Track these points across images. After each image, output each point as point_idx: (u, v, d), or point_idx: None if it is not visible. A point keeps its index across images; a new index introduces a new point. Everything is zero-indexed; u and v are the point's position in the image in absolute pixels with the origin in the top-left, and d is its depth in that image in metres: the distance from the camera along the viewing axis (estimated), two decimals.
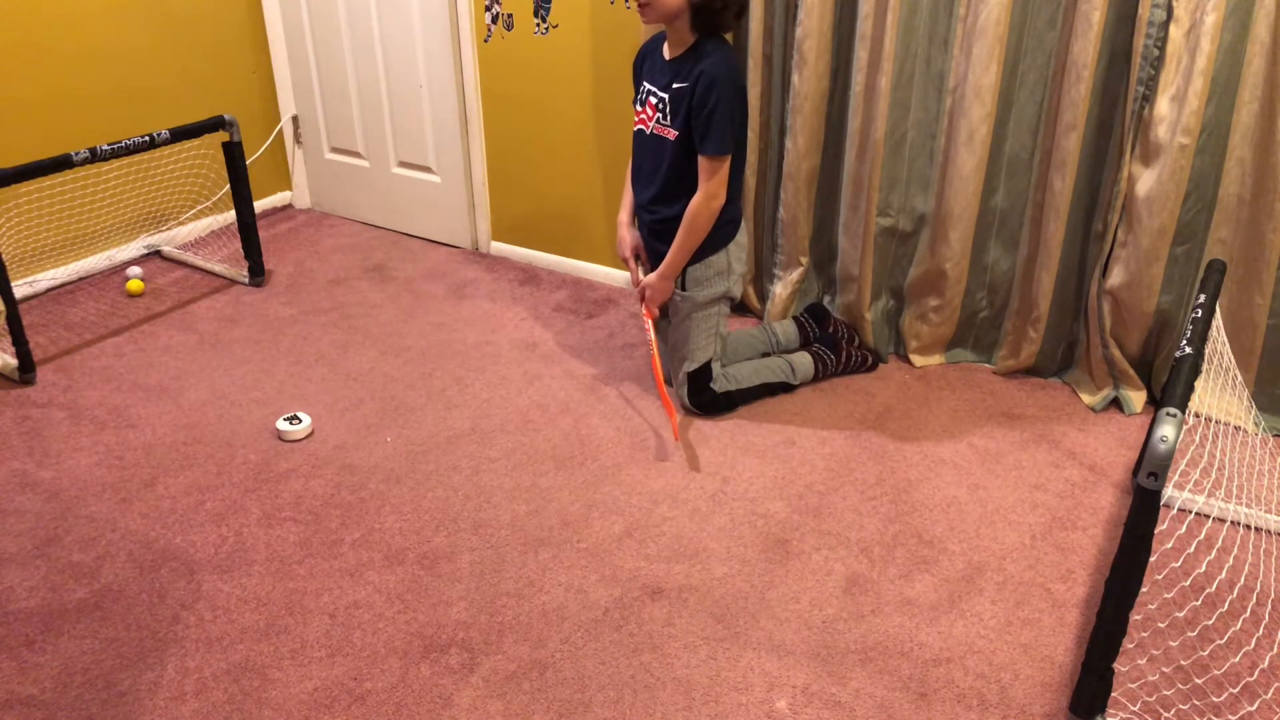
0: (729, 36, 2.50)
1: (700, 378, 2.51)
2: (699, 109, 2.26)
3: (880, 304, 2.83)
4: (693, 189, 2.34)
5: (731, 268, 2.46)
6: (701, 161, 2.31)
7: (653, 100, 2.39)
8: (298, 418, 2.48)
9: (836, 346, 2.73)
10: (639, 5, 2.27)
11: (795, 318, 2.84)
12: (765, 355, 2.72)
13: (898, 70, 2.52)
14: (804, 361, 2.67)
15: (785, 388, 2.64)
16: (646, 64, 2.47)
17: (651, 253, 2.56)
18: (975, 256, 2.66)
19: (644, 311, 2.55)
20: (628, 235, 2.61)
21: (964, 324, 2.77)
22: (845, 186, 2.70)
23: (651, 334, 2.56)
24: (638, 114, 2.47)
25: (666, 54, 2.37)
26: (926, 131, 2.59)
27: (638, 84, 2.50)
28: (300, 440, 2.45)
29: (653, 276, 2.47)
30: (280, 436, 2.46)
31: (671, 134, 2.35)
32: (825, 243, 2.88)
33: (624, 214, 2.63)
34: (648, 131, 2.43)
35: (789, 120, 2.70)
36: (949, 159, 2.55)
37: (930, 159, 2.61)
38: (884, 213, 2.69)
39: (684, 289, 2.47)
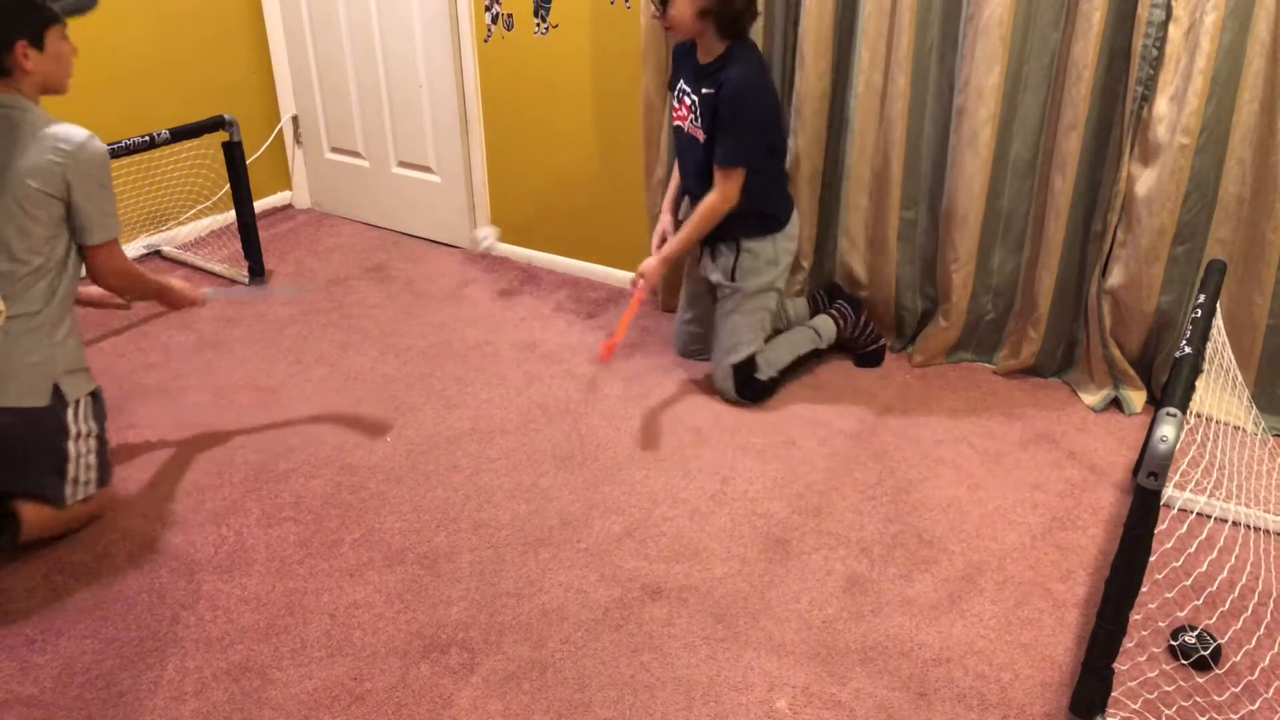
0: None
1: (745, 369, 2.56)
2: (721, 120, 2.35)
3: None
4: (740, 190, 2.43)
5: (778, 259, 2.54)
6: (716, 167, 2.40)
7: (687, 101, 2.46)
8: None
9: (858, 309, 2.77)
10: (665, 28, 2.38)
11: (809, 295, 2.86)
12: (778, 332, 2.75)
13: (913, 69, 2.52)
14: (826, 324, 2.73)
15: (816, 354, 2.71)
16: (683, 57, 2.50)
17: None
18: (981, 260, 2.65)
19: (635, 291, 2.54)
20: (663, 219, 2.66)
21: (969, 328, 2.76)
22: (859, 188, 2.71)
23: (633, 307, 2.56)
24: (675, 108, 2.54)
25: (700, 57, 2.42)
26: (939, 131, 2.60)
27: (675, 76, 2.54)
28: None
29: (653, 260, 2.53)
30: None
31: (701, 135, 2.44)
32: (831, 244, 2.88)
33: (667, 200, 2.69)
34: (684, 128, 2.50)
35: (789, 120, 2.71)
36: (954, 160, 2.54)
37: (942, 160, 2.61)
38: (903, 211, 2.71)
39: (733, 279, 2.52)
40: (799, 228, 2.64)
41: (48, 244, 1.95)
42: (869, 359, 2.79)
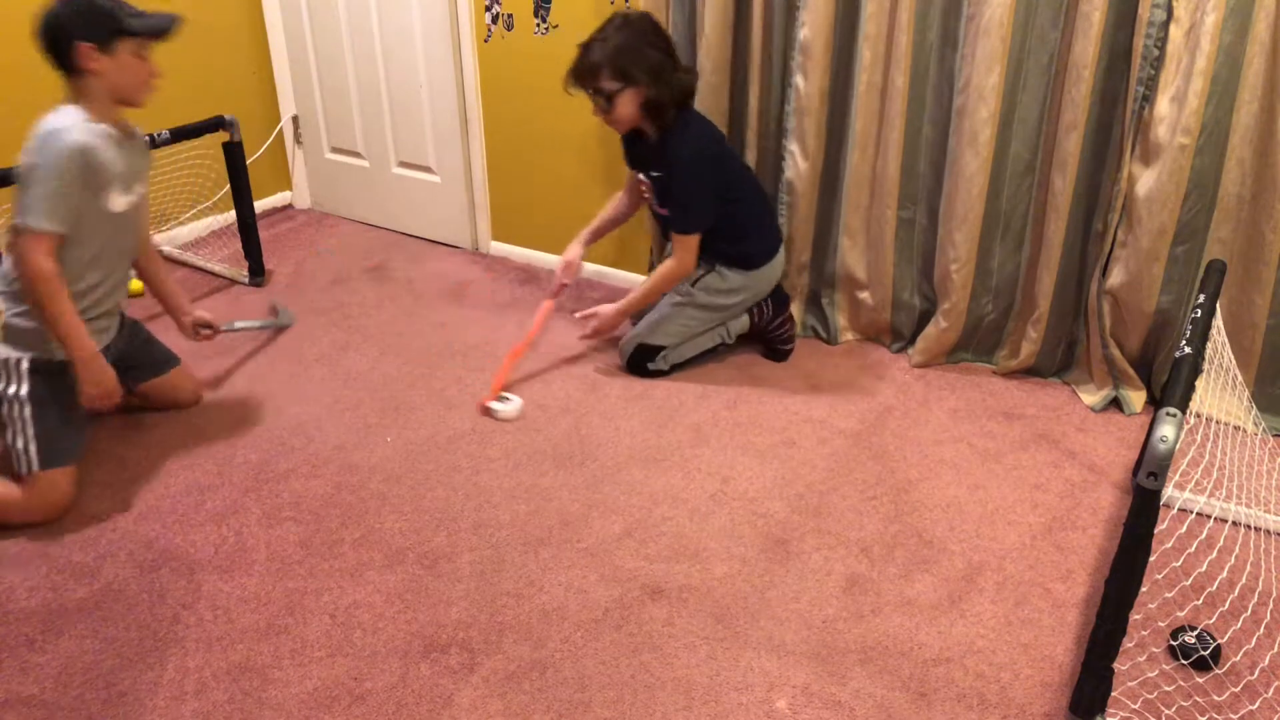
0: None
1: (647, 354, 2.70)
2: (672, 194, 2.56)
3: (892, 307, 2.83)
4: (696, 254, 2.61)
5: (740, 290, 2.67)
6: (674, 234, 2.60)
7: (647, 181, 2.65)
8: (507, 397, 2.57)
9: (781, 307, 2.80)
10: (608, 124, 2.54)
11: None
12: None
13: (912, 69, 2.52)
14: (739, 321, 2.78)
15: (724, 346, 2.83)
16: (631, 141, 2.66)
17: None
18: (981, 260, 2.65)
19: (583, 326, 2.78)
20: (574, 250, 2.82)
21: (969, 328, 2.76)
22: (859, 188, 2.71)
23: (539, 322, 2.79)
24: (642, 184, 2.70)
25: (647, 137, 2.59)
26: (939, 131, 2.59)
27: (630, 157, 2.71)
28: (511, 419, 2.54)
29: (611, 308, 2.73)
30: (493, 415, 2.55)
31: (664, 212, 2.63)
32: (831, 244, 2.87)
33: (586, 231, 2.85)
34: (653, 205, 2.71)
35: (789, 122, 2.70)
36: (954, 160, 2.54)
37: (941, 159, 2.61)
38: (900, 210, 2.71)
39: (693, 284, 2.66)
40: (780, 269, 2.73)
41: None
42: (775, 355, 2.82)
